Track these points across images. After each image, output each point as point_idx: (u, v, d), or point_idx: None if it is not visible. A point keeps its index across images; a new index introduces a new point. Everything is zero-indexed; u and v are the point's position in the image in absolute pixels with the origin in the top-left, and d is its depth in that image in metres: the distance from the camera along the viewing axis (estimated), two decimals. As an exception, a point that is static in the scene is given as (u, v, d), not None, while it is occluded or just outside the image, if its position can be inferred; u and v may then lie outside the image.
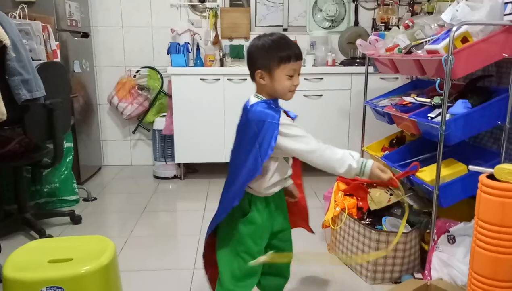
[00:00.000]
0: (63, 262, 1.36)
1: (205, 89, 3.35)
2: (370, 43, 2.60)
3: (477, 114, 1.80)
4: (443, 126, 1.76)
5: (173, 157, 3.50)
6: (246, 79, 3.20)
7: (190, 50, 3.53)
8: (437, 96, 1.94)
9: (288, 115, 1.43)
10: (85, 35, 3.58)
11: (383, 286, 1.94)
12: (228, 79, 3.32)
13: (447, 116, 1.78)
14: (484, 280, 1.30)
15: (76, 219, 2.66)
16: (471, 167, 1.41)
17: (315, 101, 3.41)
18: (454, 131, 1.78)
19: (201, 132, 3.39)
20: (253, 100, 1.39)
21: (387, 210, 2.14)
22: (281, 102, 1.43)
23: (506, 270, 1.26)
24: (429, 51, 1.87)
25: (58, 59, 2.83)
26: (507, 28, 1.69)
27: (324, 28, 3.88)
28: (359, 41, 2.67)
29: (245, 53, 3.52)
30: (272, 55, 1.32)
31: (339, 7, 3.83)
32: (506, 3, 1.68)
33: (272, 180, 1.39)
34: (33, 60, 2.33)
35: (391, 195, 2.15)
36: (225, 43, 3.80)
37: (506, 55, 1.73)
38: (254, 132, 1.32)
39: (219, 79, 3.34)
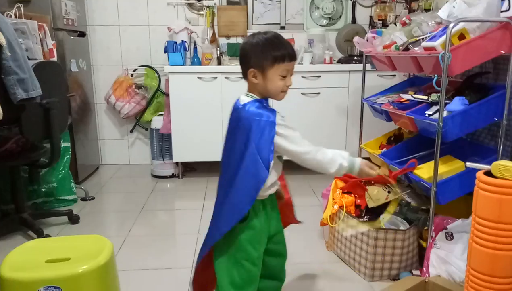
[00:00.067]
0: (61, 261, 1.36)
1: (203, 88, 3.34)
2: (367, 40, 2.60)
3: (474, 111, 1.80)
4: (441, 123, 1.76)
5: (171, 156, 3.50)
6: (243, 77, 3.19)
7: (187, 49, 3.52)
8: (435, 93, 1.94)
9: None
10: (82, 34, 3.57)
11: (381, 283, 1.94)
12: (225, 77, 3.32)
13: (445, 113, 1.78)
14: (482, 277, 1.30)
15: (74, 219, 2.66)
16: (469, 164, 1.41)
17: (313, 99, 3.41)
18: (451, 128, 1.78)
19: (199, 131, 3.39)
20: (245, 99, 1.36)
21: (385, 207, 2.14)
22: (271, 101, 1.41)
23: (504, 267, 1.26)
24: (426, 48, 1.86)
25: (55, 59, 2.83)
26: (504, 25, 1.70)
27: (322, 26, 3.87)
28: (356, 39, 2.67)
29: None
30: (266, 54, 1.30)
31: (336, 4, 3.82)
32: (503, 0, 1.68)
33: (270, 180, 1.36)
34: (29, 59, 2.32)
35: (389, 192, 2.15)
36: (222, 41, 3.79)
37: (503, 52, 1.74)
38: (249, 131, 1.29)
39: (216, 77, 3.34)
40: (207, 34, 3.75)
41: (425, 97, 2.03)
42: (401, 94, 2.28)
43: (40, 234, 2.39)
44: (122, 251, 2.30)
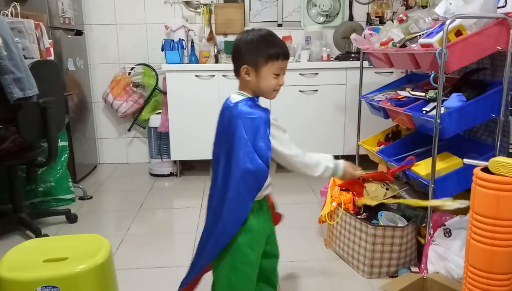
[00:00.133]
0: (58, 261, 1.36)
1: (200, 86, 3.34)
2: (364, 37, 2.60)
3: (472, 108, 1.80)
4: (438, 120, 1.76)
5: (169, 154, 3.49)
6: (241, 75, 3.18)
7: (184, 47, 3.51)
8: (432, 90, 1.94)
9: None
10: (79, 32, 3.55)
11: (380, 280, 1.94)
12: (223, 75, 3.31)
13: (442, 110, 1.78)
14: (480, 273, 1.30)
15: (72, 218, 2.66)
16: (466, 160, 1.41)
17: (311, 97, 3.41)
18: (449, 125, 1.78)
19: (197, 129, 3.38)
20: (237, 97, 1.34)
21: (383, 205, 2.15)
22: (267, 101, 1.39)
23: (501, 263, 1.27)
24: (423, 45, 1.86)
25: (52, 57, 2.81)
26: (501, 21, 1.70)
27: (319, 23, 3.87)
28: (353, 36, 2.66)
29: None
30: (261, 51, 1.29)
31: (333, 1, 3.82)
32: (499, -4, 1.68)
33: (267, 180, 1.35)
34: (26, 58, 2.31)
35: (387, 189, 2.16)
36: (220, 39, 3.77)
37: (500, 48, 1.74)
38: (243, 130, 1.26)
39: (214, 75, 3.33)
40: (204, 32, 3.74)
41: (423, 94, 2.03)
42: (398, 91, 2.28)
43: (38, 234, 2.39)
44: (121, 250, 2.30)
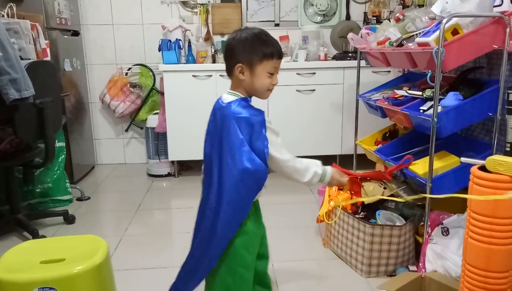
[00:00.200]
0: (56, 262, 1.35)
1: (198, 86, 3.33)
2: (361, 37, 2.60)
3: (469, 106, 1.80)
4: (435, 119, 1.76)
5: (167, 155, 3.49)
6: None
7: (181, 47, 3.51)
8: (429, 89, 1.95)
9: None
10: (75, 33, 3.55)
11: (378, 279, 1.94)
12: (220, 75, 3.30)
13: (439, 109, 1.78)
14: (477, 271, 1.31)
15: (69, 219, 2.65)
16: (463, 159, 1.41)
17: (308, 96, 3.41)
18: (446, 124, 1.78)
19: (195, 129, 3.35)
20: (229, 98, 1.32)
21: (381, 204, 2.15)
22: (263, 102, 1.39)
23: (499, 261, 1.27)
24: (420, 44, 1.87)
25: (48, 58, 2.81)
26: (497, 20, 1.70)
27: (316, 23, 3.87)
28: (350, 35, 2.67)
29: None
30: (255, 49, 1.28)
31: (330, 1, 3.82)
32: (496, -5, 1.68)
33: None
34: (22, 59, 2.31)
35: (384, 188, 2.16)
36: (217, 39, 3.77)
37: (497, 47, 1.74)
38: (238, 130, 1.25)
39: (211, 75, 3.33)
40: (201, 32, 3.74)
41: (420, 93, 2.03)
42: (395, 90, 2.28)
43: (35, 235, 2.38)
44: (119, 250, 2.30)
